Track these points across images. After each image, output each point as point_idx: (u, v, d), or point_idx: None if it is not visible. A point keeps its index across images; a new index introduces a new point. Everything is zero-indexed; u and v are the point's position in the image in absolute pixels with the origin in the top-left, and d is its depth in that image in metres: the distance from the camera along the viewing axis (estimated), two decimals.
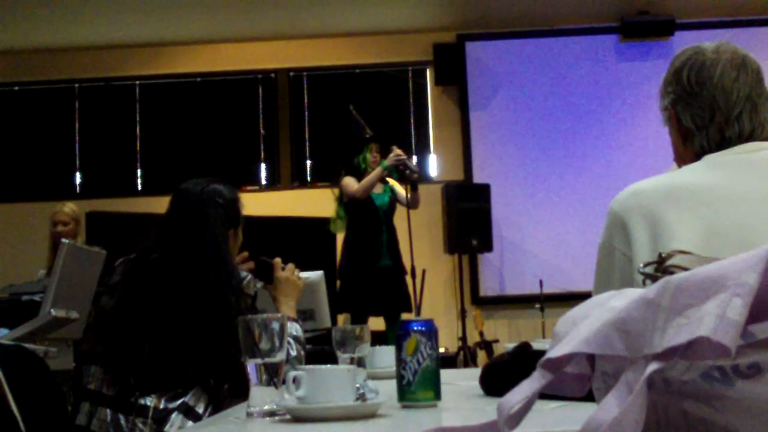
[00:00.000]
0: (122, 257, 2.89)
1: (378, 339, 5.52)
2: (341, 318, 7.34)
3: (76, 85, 9.77)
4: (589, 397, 0.90)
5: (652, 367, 0.76)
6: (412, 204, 7.18)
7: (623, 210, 1.89)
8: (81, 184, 9.73)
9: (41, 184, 9.64)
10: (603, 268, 1.96)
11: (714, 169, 1.89)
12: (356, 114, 7.57)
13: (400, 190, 7.27)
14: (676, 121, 2.01)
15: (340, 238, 7.57)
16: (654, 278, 1.36)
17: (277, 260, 3.05)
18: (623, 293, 0.86)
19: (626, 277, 1.86)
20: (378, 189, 7.21)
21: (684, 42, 2.12)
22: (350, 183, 7.16)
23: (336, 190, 7.36)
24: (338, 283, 7.22)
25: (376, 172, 7.07)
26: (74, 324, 5.06)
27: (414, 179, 7.18)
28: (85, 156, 9.75)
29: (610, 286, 1.88)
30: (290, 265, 3.07)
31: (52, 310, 4.88)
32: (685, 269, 0.90)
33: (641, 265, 1.49)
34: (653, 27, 9.43)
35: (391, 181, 7.30)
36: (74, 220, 7.09)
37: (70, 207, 7.11)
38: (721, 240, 1.76)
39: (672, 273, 0.94)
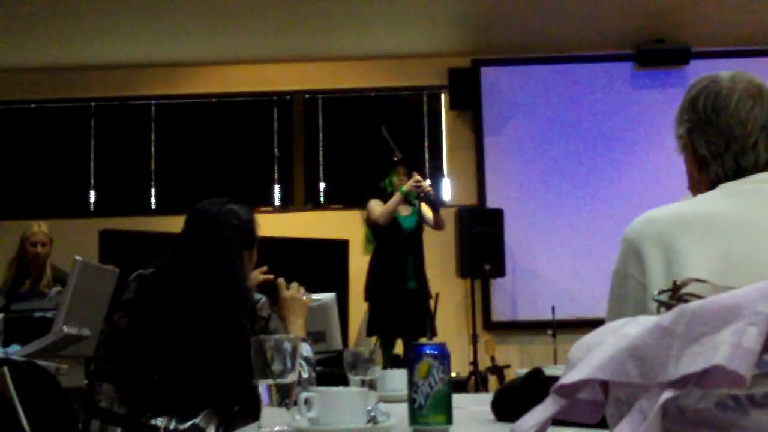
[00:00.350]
0: (136, 272, 2.89)
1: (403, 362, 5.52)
2: (373, 340, 7.36)
3: (92, 103, 9.82)
4: (603, 424, 0.90)
5: (667, 394, 0.76)
6: (436, 225, 7.24)
7: (638, 237, 1.89)
8: (95, 203, 9.76)
9: (56, 202, 9.67)
10: (617, 295, 1.95)
11: (729, 198, 1.89)
12: (387, 135, 7.55)
13: (427, 212, 7.27)
14: (692, 149, 2.00)
15: (359, 259, 7.58)
16: (669, 306, 1.36)
17: (281, 280, 3.06)
18: (637, 320, 0.86)
19: (640, 305, 1.85)
20: (405, 211, 7.21)
21: (699, 71, 2.12)
22: (375, 207, 7.17)
23: (364, 213, 7.36)
24: (367, 305, 7.26)
25: (395, 198, 7.08)
26: (86, 341, 5.08)
27: (434, 202, 7.21)
28: (100, 174, 9.78)
29: (624, 313, 1.87)
30: (294, 284, 3.08)
31: (64, 327, 4.89)
32: (700, 297, 0.90)
33: (656, 292, 1.48)
34: (669, 55, 9.43)
35: (420, 203, 7.31)
36: (50, 240, 7.07)
37: (44, 227, 7.08)
38: (735, 269, 1.75)
39: (687, 301, 0.94)
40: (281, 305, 3.02)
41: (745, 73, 2.01)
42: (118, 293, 3.02)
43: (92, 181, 9.77)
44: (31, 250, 6.94)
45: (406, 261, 7.15)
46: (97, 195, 9.77)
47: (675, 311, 0.80)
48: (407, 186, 7.08)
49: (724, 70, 2.04)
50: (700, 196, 1.95)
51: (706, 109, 1.97)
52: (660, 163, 8.94)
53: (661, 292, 1.44)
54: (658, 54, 9.44)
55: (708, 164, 1.97)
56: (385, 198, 7.22)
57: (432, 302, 7.33)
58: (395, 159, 7.40)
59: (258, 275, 3.08)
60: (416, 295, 7.14)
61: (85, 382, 2.98)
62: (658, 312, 1.49)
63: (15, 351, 4.74)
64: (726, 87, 1.97)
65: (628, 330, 0.83)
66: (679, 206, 1.94)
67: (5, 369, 2.31)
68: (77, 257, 5.24)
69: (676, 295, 1.38)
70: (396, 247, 7.15)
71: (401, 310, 7.03)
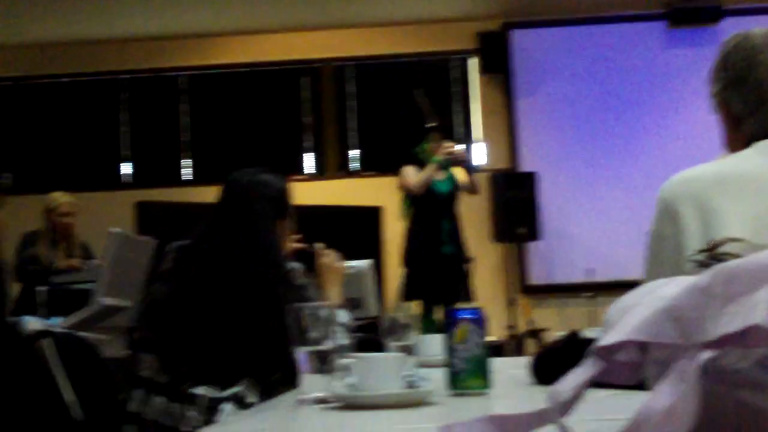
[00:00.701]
0: (173, 243, 2.91)
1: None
2: (414, 305, 7.36)
3: (124, 76, 9.86)
4: (642, 386, 0.90)
5: (706, 355, 0.76)
6: (472, 189, 7.23)
7: (673, 197, 1.87)
8: (129, 175, 9.82)
9: (90, 175, 9.74)
10: (653, 256, 1.94)
11: (764, 156, 1.87)
12: (422, 100, 7.52)
13: (462, 176, 7.26)
14: (725, 108, 1.98)
15: (393, 226, 7.59)
16: (706, 266, 1.35)
17: (318, 247, 3.07)
18: (675, 281, 0.86)
19: (677, 265, 1.83)
20: (440, 176, 7.19)
21: (732, 28, 2.09)
22: (410, 174, 7.16)
23: (397, 179, 7.36)
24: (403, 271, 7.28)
25: (430, 167, 7.06)
26: (126, 312, 5.13)
27: (468, 167, 7.21)
28: (134, 147, 9.84)
29: (661, 274, 1.84)
30: (330, 251, 3.09)
31: (104, 299, 4.95)
32: (737, 257, 0.90)
33: (692, 252, 1.47)
34: (701, 13, 9.32)
35: (454, 168, 7.30)
36: (75, 209, 7.03)
37: (67, 196, 7.02)
38: None
39: (724, 261, 0.94)
40: (317, 272, 3.03)
41: None
42: (157, 264, 3.05)
43: (126, 153, 9.83)
44: (61, 220, 6.88)
45: (442, 225, 7.14)
46: (131, 167, 9.82)
47: (712, 271, 0.79)
48: (439, 155, 7.06)
49: (757, 27, 2.02)
50: (735, 155, 1.93)
51: (738, 66, 1.94)
52: (694, 123, 8.85)
53: (698, 252, 1.44)
54: (690, 12, 9.32)
55: (742, 122, 1.95)
56: (419, 164, 7.21)
57: (468, 267, 7.33)
58: (428, 125, 7.36)
59: (291, 244, 3.09)
60: (453, 260, 7.14)
61: (126, 352, 3.02)
62: (695, 272, 1.48)
63: (56, 323, 4.80)
64: (759, 43, 1.94)
65: (666, 290, 0.83)
66: (715, 165, 1.92)
67: (47, 340, 2.34)
68: (113, 229, 5.28)
69: (712, 254, 1.38)
70: (432, 212, 7.15)
71: (438, 275, 7.04)
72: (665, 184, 1.92)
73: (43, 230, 6.83)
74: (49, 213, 6.87)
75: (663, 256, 1.89)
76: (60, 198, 6.94)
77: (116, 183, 9.71)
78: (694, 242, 1.78)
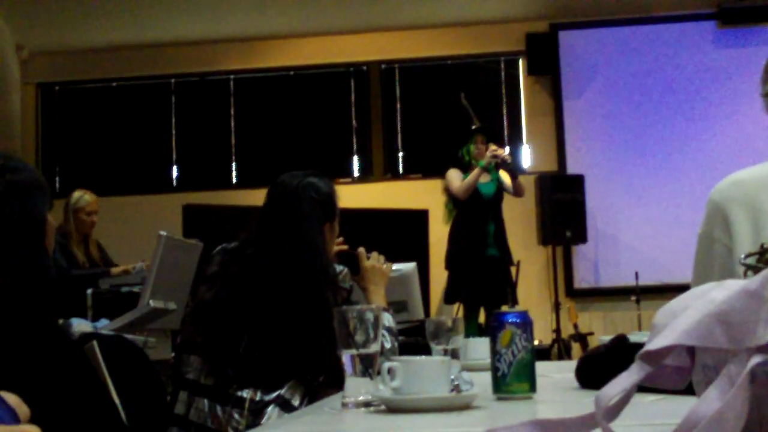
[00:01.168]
0: (220, 246, 2.92)
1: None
2: (455, 308, 7.38)
3: (172, 80, 9.95)
4: (689, 391, 0.89)
5: (756, 359, 0.75)
6: (516, 192, 7.22)
7: (724, 200, 1.85)
8: (177, 178, 9.90)
9: (140, 178, 9.84)
10: (702, 259, 1.92)
11: None
12: (466, 103, 7.53)
13: (506, 179, 7.25)
14: None
15: (439, 229, 7.58)
16: (756, 269, 1.33)
17: (361, 250, 3.07)
18: (724, 285, 0.85)
19: (726, 268, 1.82)
20: (484, 178, 7.18)
21: None
22: (454, 178, 7.17)
23: (443, 182, 7.36)
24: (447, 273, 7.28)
25: (475, 173, 7.06)
26: (172, 314, 5.17)
27: (512, 170, 7.20)
28: (182, 150, 9.92)
29: (710, 277, 1.85)
30: (374, 254, 3.08)
31: (150, 301, 4.99)
32: None
33: (743, 256, 1.46)
34: (752, 13, 9.21)
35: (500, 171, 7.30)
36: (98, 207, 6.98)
37: (91, 195, 6.92)
38: None
39: None
40: (362, 275, 3.03)
41: None
42: (203, 267, 3.06)
43: (174, 156, 9.91)
44: (88, 219, 6.82)
45: (486, 228, 7.13)
46: (179, 170, 9.91)
47: (763, 274, 0.78)
48: (485, 160, 7.05)
49: None
50: None
51: None
52: (745, 125, 8.75)
53: (748, 255, 1.41)
54: (740, 12, 9.22)
55: None
56: (463, 167, 7.20)
57: (513, 270, 7.32)
58: (473, 127, 7.37)
59: (336, 246, 3.09)
60: (497, 263, 7.12)
61: (173, 354, 3.03)
62: (745, 275, 1.46)
63: (104, 325, 4.84)
64: None
65: (715, 294, 0.82)
66: (765, 167, 1.90)
67: (95, 343, 2.36)
68: (161, 232, 5.32)
69: (763, 258, 1.36)
70: (476, 214, 7.13)
71: (482, 277, 7.02)
72: (716, 187, 1.90)
73: (71, 230, 6.78)
74: (76, 212, 6.78)
75: (713, 259, 1.87)
76: (85, 196, 6.86)
77: (166, 186, 9.80)
78: (744, 245, 1.76)
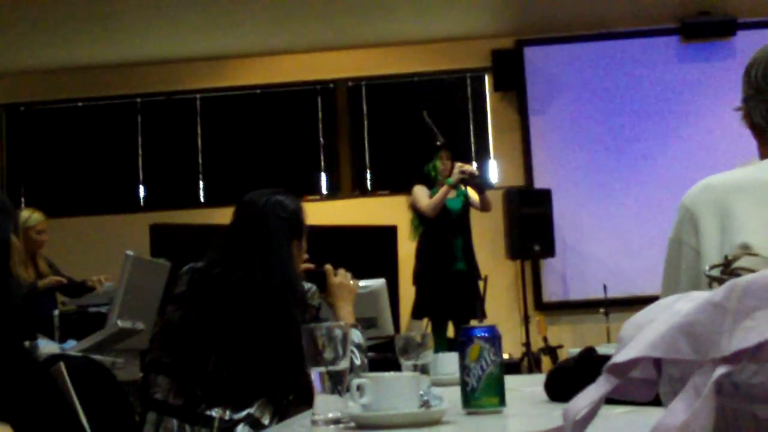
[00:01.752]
0: (187, 265, 2.91)
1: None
2: (418, 324, 7.37)
3: (138, 99, 9.91)
4: (656, 402, 0.89)
5: (720, 370, 0.75)
6: (483, 207, 7.24)
7: (693, 204, 1.89)
8: (144, 197, 9.85)
9: (106, 198, 9.78)
10: (671, 262, 1.95)
11: None
12: (429, 120, 7.56)
13: (473, 195, 7.27)
14: (749, 118, 2.02)
15: (408, 245, 7.58)
16: (721, 281, 1.34)
17: (328, 266, 3.06)
18: (689, 296, 0.85)
19: (693, 271, 1.85)
20: (451, 194, 7.20)
21: (747, 42, 2.13)
22: (421, 195, 7.18)
23: (409, 198, 7.36)
24: (414, 288, 7.28)
25: (443, 191, 7.07)
26: (140, 335, 5.14)
27: (480, 185, 7.24)
28: (148, 169, 9.87)
29: (678, 280, 1.90)
30: (341, 270, 3.08)
31: (118, 322, 4.95)
32: (752, 271, 0.89)
33: (707, 268, 1.47)
34: (714, 27, 9.29)
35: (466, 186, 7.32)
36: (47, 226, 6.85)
37: (40, 213, 6.78)
38: None
39: (739, 275, 0.93)
40: (329, 292, 3.02)
41: None
42: (170, 286, 3.05)
43: (141, 176, 9.86)
44: (39, 238, 6.68)
45: (454, 243, 7.14)
46: (146, 190, 9.86)
47: (726, 286, 0.79)
48: (453, 178, 7.07)
49: None
50: (757, 164, 1.96)
51: (758, 78, 1.98)
52: (708, 137, 8.83)
53: (713, 267, 1.43)
54: (703, 26, 9.30)
55: (763, 131, 1.99)
56: (429, 183, 7.22)
57: (482, 284, 7.33)
58: (438, 143, 7.39)
59: (302, 264, 3.09)
60: (465, 277, 7.14)
61: (141, 375, 3.01)
62: (711, 287, 1.47)
63: (71, 346, 4.81)
64: None
65: (680, 306, 0.83)
66: (736, 172, 1.94)
67: (61, 364, 2.34)
68: (128, 252, 5.29)
69: (728, 269, 1.37)
70: (444, 229, 7.15)
71: (450, 292, 7.03)
72: (687, 192, 1.94)
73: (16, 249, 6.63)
74: (26, 231, 6.50)
75: (681, 262, 1.91)
76: (35, 215, 6.71)
77: (133, 205, 9.75)
78: (711, 248, 1.80)
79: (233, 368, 2.64)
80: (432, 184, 7.21)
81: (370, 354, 3.02)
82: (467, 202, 7.27)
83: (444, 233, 7.14)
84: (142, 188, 9.86)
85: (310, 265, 3.05)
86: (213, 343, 2.67)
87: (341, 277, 3.05)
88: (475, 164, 8.81)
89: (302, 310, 2.77)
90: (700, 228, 1.85)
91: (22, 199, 9.76)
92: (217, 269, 2.79)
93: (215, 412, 2.61)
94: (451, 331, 7.19)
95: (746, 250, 1.69)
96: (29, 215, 6.71)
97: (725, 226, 1.81)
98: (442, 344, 6.75)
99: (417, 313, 7.29)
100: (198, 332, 2.69)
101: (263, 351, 2.64)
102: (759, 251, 1.63)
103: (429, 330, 7.06)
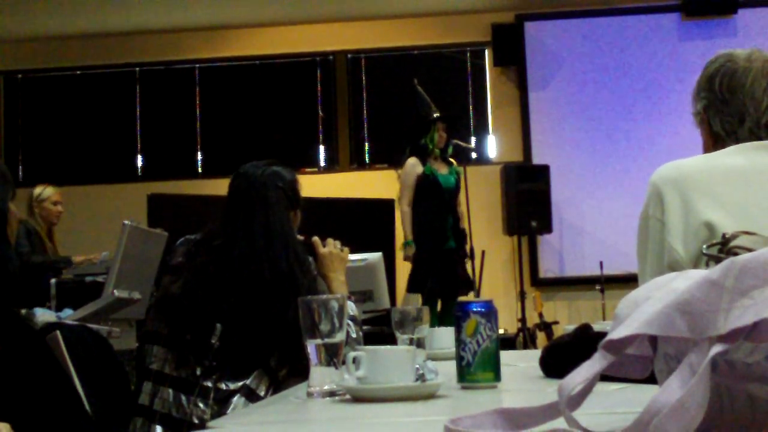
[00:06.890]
0: (183, 237, 2.91)
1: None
2: (414, 298, 7.39)
3: (137, 68, 9.88)
4: (651, 379, 0.89)
5: (716, 349, 0.75)
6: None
7: (660, 181, 2.01)
8: (142, 167, 9.84)
9: (104, 168, 9.77)
10: (642, 235, 2.08)
11: (744, 156, 1.96)
12: (421, 90, 7.54)
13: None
14: (707, 126, 2.10)
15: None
16: (718, 259, 1.35)
17: (315, 238, 3.05)
18: (686, 274, 0.85)
19: (659, 242, 1.97)
20: (443, 170, 7.20)
21: (748, 20, 2.14)
22: (410, 171, 7.17)
23: (400, 171, 7.35)
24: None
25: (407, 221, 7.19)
26: (137, 304, 5.14)
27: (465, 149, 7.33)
28: (146, 139, 9.86)
29: (647, 252, 2.03)
30: (330, 240, 3.07)
31: (115, 291, 4.95)
32: (750, 250, 0.89)
33: (705, 246, 1.49)
34: (716, 5, 9.25)
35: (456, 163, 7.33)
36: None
37: (53, 187, 7.03)
38: (753, 218, 1.83)
39: (736, 254, 0.93)
40: (319, 262, 3.01)
41: (762, 52, 2.10)
42: (166, 257, 3.04)
43: (139, 145, 9.85)
44: (54, 209, 6.91)
45: (446, 220, 7.15)
46: (144, 159, 9.85)
47: (724, 264, 0.79)
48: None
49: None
50: (721, 152, 2.06)
51: (722, 88, 2.05)
52: None
53: (711, 245, 1.43)
54: (704, 4, 9.27)
55: (723, 141, 2.07)
56: (425, 156, 7.21)
57: (470, 261, 7.33)
58: (434, 117, 7.36)
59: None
60: (454, 255, 7.16)
61: (137, 344, 3.02)
62: (707, 265, 1.48)
63: (67, 315, 4.81)
64: (743, 67, 2.07)
65: (677, 284, 0.83)
66: (704, 156, 2.07)
67: (58, 333, 2.34)
68: (125, 221, 5.29)
69: (725, 248, 1.37)
70: (436, 206, 7.15)
71: (442, 269, 7.05)
72: (656, 170, 2.02)
73: (37, 221, 6.82)
74: (42, 202, 6.87)
75: (648, 235, 2.03)
76: (47, 189, 6.96)
77: (130, 175, 9.74)
78: (674, 221, 1.92)
79: (230, 339, 2.64)
80: (427, 158, 7.21)
81: (366, 327, 3.02)
82: (459, 179, 7.27)
83: (438, 210, 7.15)
84: (140, 158, 9.85)
85: (300, 237, 3.05)
86: (218, 314, 2.66)
87: (330, 247, 3.04)
88: (474, 139, 8.81)
89: (306, 278, 2.76)
90: (665, 203, 1.97)
91: (20, 167, 9.75)
92: (218, 240, 2.79)
93: (211, 383, 2.62)
94: (439, 306, 7.21)
95: (709, 228, 1.83)
96: (42, 189, 6.94)
97: (688, 201, 1.92)
98: (433, 320, 6.77)
99: (410, 287, 7.30)
100: (202, 303, 2.68)
101: (270, 321, 2.64)
102: (722, 230, 1.70)
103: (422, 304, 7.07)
